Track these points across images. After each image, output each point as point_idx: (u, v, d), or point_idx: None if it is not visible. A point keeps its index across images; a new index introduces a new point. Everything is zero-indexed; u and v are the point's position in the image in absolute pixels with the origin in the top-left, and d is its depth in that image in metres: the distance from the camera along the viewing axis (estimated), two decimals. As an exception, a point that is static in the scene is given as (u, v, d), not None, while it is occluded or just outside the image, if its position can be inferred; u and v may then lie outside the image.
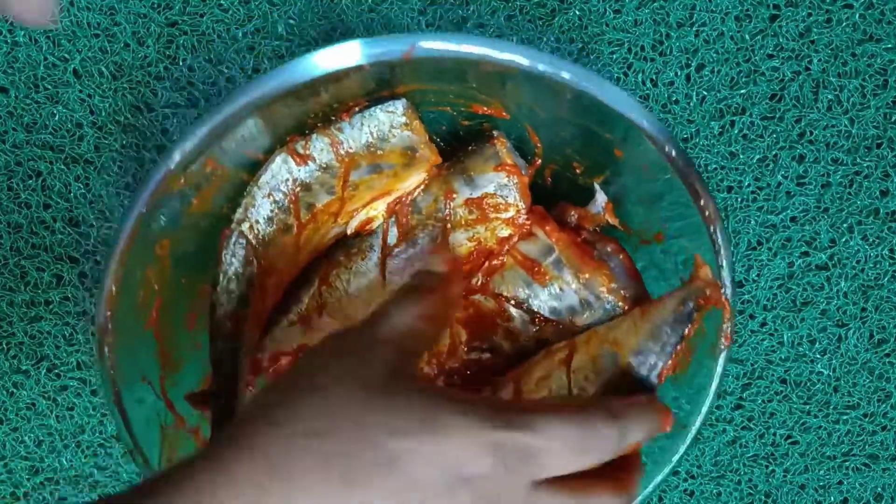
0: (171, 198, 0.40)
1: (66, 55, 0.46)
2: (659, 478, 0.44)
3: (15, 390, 0.51)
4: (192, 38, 0.47)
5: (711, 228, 0.41)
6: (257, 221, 0.43)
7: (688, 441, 0.43)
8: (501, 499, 0.31)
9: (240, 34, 0.46)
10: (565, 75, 0.38)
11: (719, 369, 0.42)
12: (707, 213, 0.40)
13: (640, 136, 0.39)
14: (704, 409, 0.43)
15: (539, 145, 0.44)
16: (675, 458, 0.44)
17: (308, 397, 0.31)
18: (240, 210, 0.43)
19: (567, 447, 0.31)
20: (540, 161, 0.44)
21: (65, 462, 0.52)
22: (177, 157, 0.38)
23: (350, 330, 0.35)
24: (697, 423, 0.43)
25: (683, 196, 0.40)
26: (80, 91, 0.47)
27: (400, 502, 0.30)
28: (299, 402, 0.31)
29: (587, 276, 0.42)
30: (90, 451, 0.52)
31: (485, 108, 0.43)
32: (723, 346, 0.42)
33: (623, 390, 0.38)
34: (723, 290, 0.41)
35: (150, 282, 0.42)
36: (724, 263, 0.41)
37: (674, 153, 0.39)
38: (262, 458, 0.30)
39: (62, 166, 0.48)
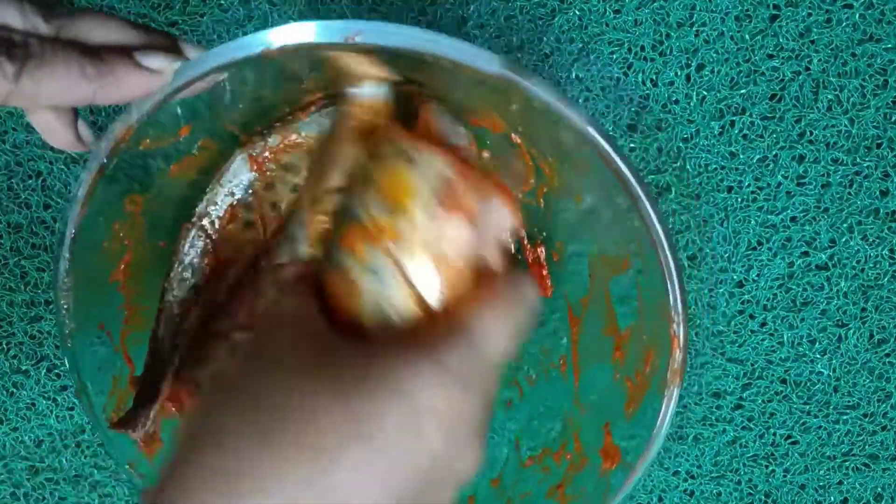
0: (137, 154, 0.39)
1: (66, 55, 0.46)
2: None
3: (15, 390, 0.51)
4: (193, 38, 0.47)
5: (653, 231, 0.37)
6: (219, 217, 0.43)
7: (629, 485, 0.40)
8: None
9: (240, 34, 0.46)
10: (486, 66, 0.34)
11: (668, 409, 0.39)
12: (641, 207, 0.36)
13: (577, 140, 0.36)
14: (650, 453, 0.40)
15: (530, 164, 0.42)
16: (619, 497, 0.41)
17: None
18: (201, 205, 0.43)
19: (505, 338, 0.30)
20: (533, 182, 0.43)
21: (65, 462, 0.52)
22: (134, 114, 0.37)
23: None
24: (642, 467, 0.40)
25: (615, 189, 0.37)
26: (80, 91, 0.47)
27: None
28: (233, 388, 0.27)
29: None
30: (90, 451, 0.52)
31: (476, 119, 0.41)
32: (671, 384, 0.39)
33: None
34: (674, 323, 0.38)
35: (119, 234, 0.41)
36: (671, 276, 0.38)
37: (597, 137, 0.36)
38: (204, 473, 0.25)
39: (62, 166, 0.48)
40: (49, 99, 0.32)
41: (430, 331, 0.30)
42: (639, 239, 0.39)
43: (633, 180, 0.37)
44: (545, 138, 0.40)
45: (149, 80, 0.34)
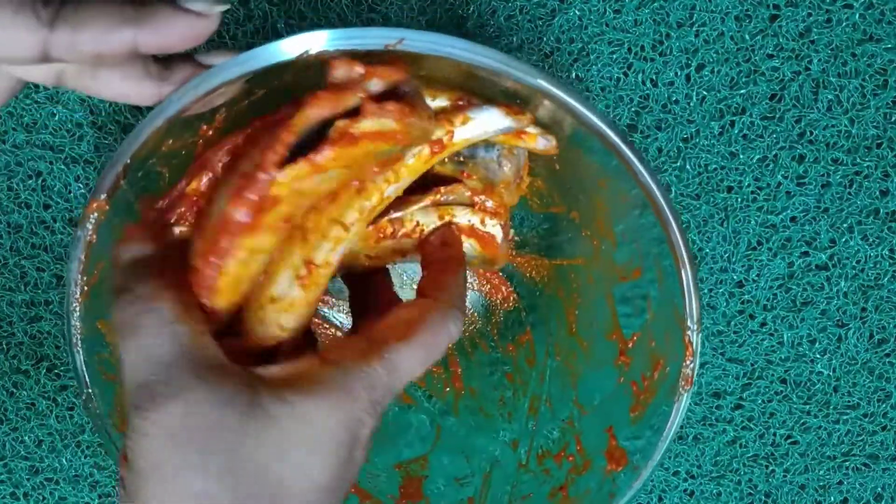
0: (155, 158, 0.38)
1: (66, 55, 0.46)
2: None
3: (15, 390, 0.51)
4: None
5: (675, 244, 0.37)
6: None
7: (637, 486, 0.41)
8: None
9: (240, 34, 0.46)
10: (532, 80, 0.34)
11: (679, 413, 0.40)
12: (669, 224, 0.37)
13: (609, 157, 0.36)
14: (658, 455, 0.40)
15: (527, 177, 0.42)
16: (626, 498, 0.41)
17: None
18: None
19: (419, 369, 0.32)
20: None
21: (65, 462, 0.52)
22: (165, 113, 0.35)
23: None
24: (649, 469, 0.41)
25: (646, 211, 0.37)
26: (80, 91, 0.47)
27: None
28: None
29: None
30: (90, 451, 0.52)
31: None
32: (682, 390, 0.39)
33: None
34: (688, 333, 0.39)
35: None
36: (688, 287, 0.38)
37: (629, 154, 0.36)
38: None
39: (62, 166, 0.48)
40: (88, 47, 0.30)
41: (349, 345, 0.32)
42: (656, 248, 0.39)
43: (659, 195, 0.37)
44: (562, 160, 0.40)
45: (193, 24, 0.31)
